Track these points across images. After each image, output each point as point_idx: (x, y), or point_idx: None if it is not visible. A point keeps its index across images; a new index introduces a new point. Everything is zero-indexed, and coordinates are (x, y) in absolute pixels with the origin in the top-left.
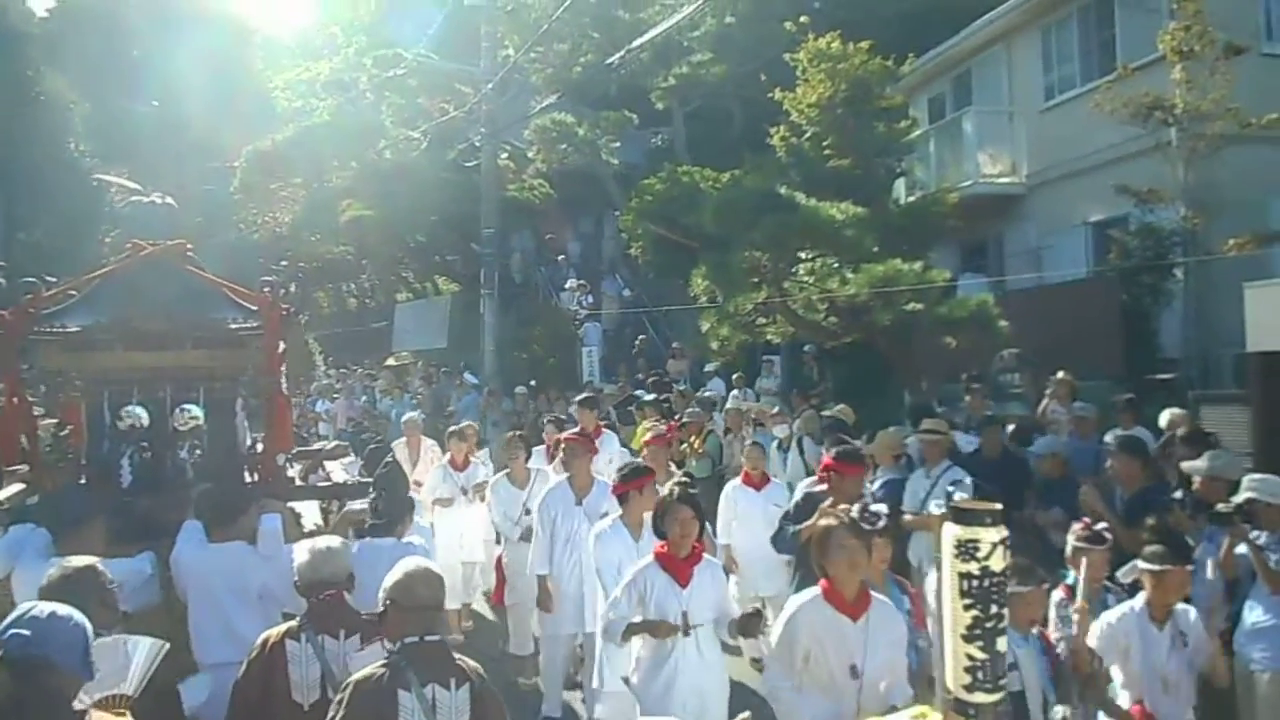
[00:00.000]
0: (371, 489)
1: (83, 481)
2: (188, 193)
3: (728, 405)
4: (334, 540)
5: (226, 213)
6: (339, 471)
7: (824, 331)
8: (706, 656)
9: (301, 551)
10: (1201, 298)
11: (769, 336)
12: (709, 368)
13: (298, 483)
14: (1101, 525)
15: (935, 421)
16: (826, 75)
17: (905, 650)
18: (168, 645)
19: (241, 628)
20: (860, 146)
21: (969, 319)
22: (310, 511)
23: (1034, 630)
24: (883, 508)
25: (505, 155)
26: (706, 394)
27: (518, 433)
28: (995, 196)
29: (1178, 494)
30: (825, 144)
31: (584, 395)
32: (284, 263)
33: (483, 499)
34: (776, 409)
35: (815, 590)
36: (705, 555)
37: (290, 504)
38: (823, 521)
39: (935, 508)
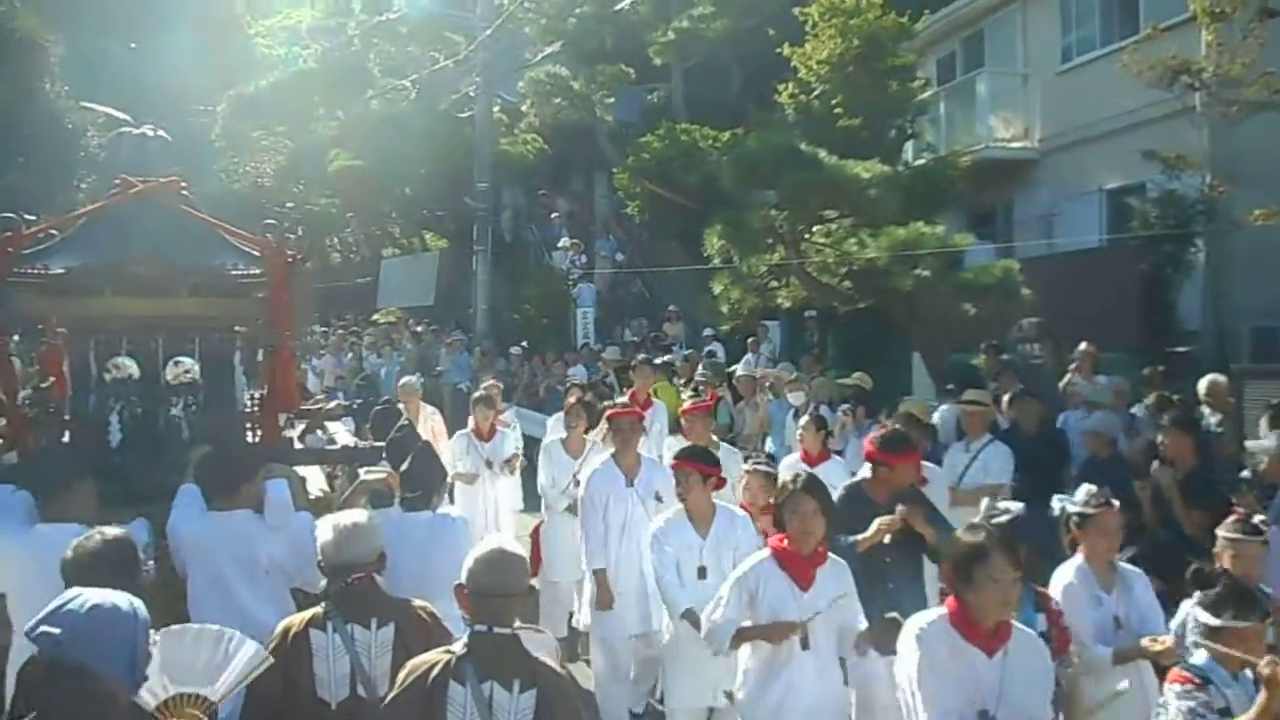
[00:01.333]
0: (386, 454)
1: (67, 439)
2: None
3: (739, 371)
4: (361, 515)
5: (207, 161)
6: (342, 433)
7: (840, 296)
8: (826, 674)
9: (325, 529)
10: (1219, 269)
11: (779, 300)
12: (707, 331)
13: (299, 445)
14: (1259, 517)
15: (978, 392)
16: (838, 31)
17: (1049, 691)
18: (271, 661)
19: (249, 605)
20: (872, 106)
21: (995, 286)
22: (314, 478)
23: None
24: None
25: (497, 108)
26: (715, 359)
27: (582, 398)
28: (1006, 161)
29: (1244, 473)
30: (834, 102)
31: (641, 357)
32: (289, 206)
33: (512, 473)
34: (795, 375)
35: (939, 611)
36: (830, 556)
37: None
38: (968, 539)
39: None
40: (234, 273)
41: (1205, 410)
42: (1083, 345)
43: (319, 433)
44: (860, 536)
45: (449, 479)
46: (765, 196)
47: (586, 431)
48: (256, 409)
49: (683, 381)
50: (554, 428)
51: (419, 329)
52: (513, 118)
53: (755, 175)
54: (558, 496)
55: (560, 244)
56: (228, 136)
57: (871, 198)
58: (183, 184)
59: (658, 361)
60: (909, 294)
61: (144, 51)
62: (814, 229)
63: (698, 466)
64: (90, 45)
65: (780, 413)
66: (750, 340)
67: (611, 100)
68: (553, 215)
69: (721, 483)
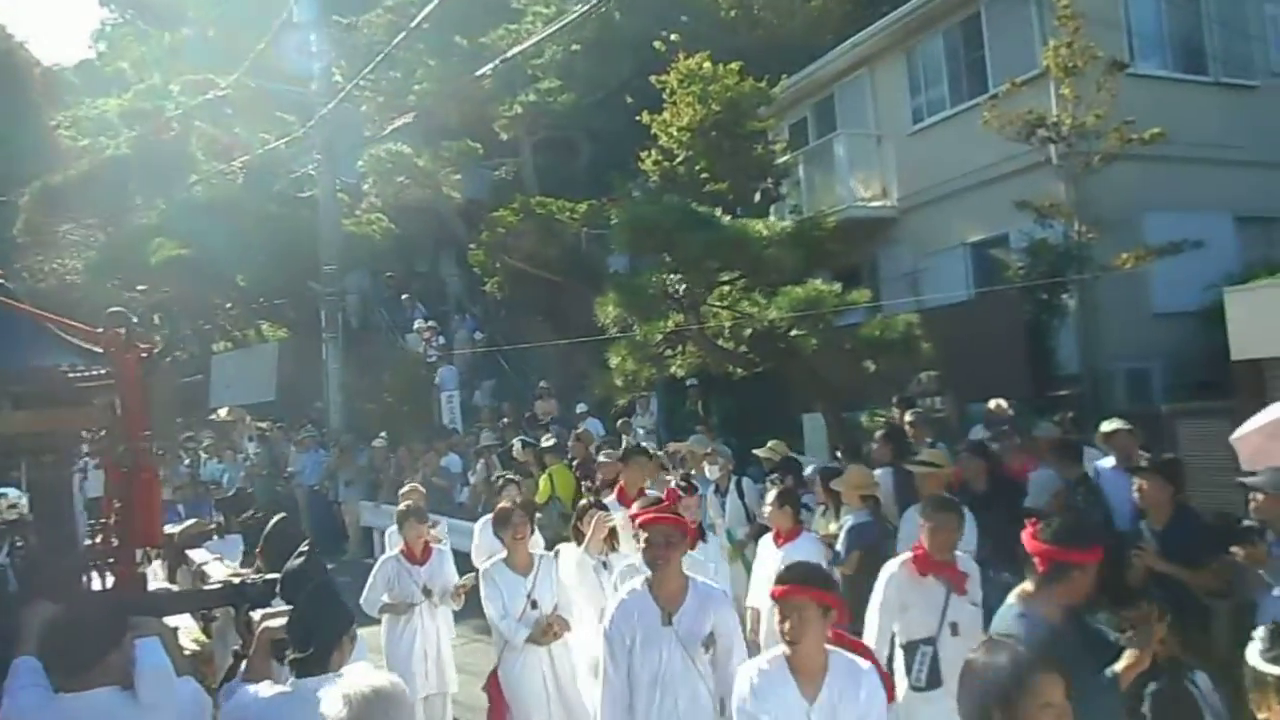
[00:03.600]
0: (281, 590)
1: None
2: None
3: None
4: (380, 678)
5: (7, 260)
6: (213, 564)
7: (738, 360)
8: None
9: (334, 701)
10: (1090, 314)
11: (674, 369)
12: (581, 407)
13: (168, 587)
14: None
15: (933, 452)
16: (696, 98)
17: None
18: None
19: None
20: (735, 170)
21: (898, 341)
22: (185, 625)
23: None
24: None
25: (338, 188)
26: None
27: (514, 502)
28: (868, 220)
29: (1248, 522)
30: (699, 167)
31: (632, 445)
32: (141, 288)
33: (458, 603)
34: (710, 448)
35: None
36: None
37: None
38: (1000, 660)
39: None
40: (70, 376)
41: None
42: (993, 402)
43: (185, 566)
44: (1120, 667)
45: (354, 631)
46: (661, 260)
47: (528, 538)
48: (104, 546)
49: (577, 464)
50: (485, 539)
51: (263, 426)
52: (354, 197)
53: (649, 239)
54: (515, 627)
55: (415, 326)
56: (30, 231)
57: (772, 256)
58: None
59: (546, 444)
60: (809, 354)
61: None
62: (711, 292)
63: (816, 594)
64: None
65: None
66: (621, 422)
67: (458, 177)
68: (403, 296)
69: (842, 617)
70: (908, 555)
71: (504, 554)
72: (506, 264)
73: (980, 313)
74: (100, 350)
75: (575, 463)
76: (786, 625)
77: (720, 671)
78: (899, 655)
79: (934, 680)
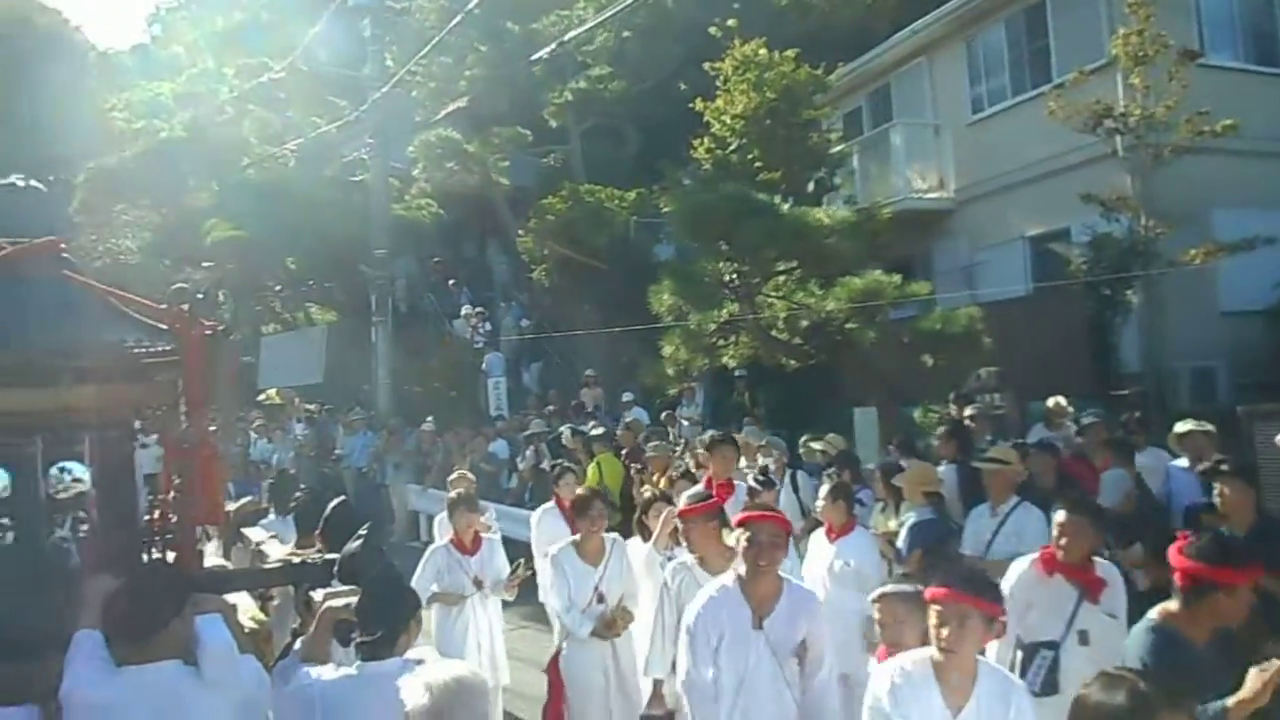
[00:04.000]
0: (339, 571)
1: None
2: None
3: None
4: (462, 669)
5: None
6: (271, 543)
7: (793, 351)
8: None
9: (416, 690)
10: (1156, 311)
11: (725, 359)
12: (627, 396)
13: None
14: None
15: (1004, 450)
16: (751, 85)
17: None
18: None
19: None
20: (789, 159)
21: (959, 335)
22: (243, 604)
23: None
24: None
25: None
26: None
27: (591, 490)
28: (923, 212)
29: None
30: (751, 156)
31: (714, 434)
32: (206, 265)
33: (510, 593)
34: (765, 440)
35: None
36: None
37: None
38: (1114, 699)
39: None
40: (135, 350)
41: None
42: (1052, 400)
43: (240, 545)
44: (1233, 701)
45: (422, 609)
46: (719, 249)
47: (598, 528)
48: (164, 522)
49: (625, 453)
50: (544, 528)
51: (310, 409)
52: (403, 182)
53: (707, 226)
54: (580, 620)
55: (463, 312)
56: (86, 211)
57: (831, 247)
58: (62, 245)
59: (595, 432)
60: (866, 346)
61: None
62: (769, 282)
63: (985, 605)
64: None
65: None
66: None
67: (506, 164)
68: (450, 282)
69: (1003, 631)
70: (1036, 554)
71: (574, 539)
72: (555, 251)
73: (1040, 308)
74: (165, 327)
75: (624, 452)
76: (945, 631)
77: (807, 681)
78: (1017, 656)
79: (1049, 687)
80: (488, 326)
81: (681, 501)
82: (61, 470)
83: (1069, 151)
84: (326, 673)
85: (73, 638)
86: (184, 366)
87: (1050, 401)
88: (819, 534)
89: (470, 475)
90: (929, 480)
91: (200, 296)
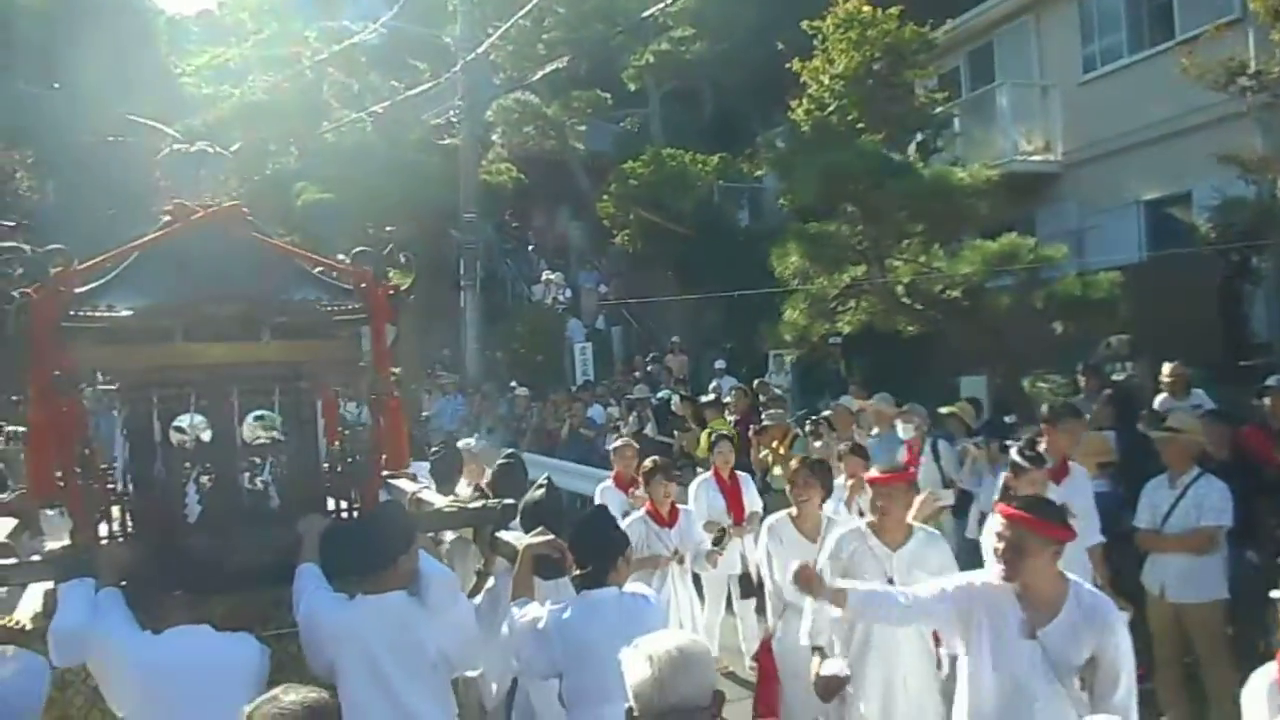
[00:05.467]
0: (521, 518)
1: (128, 518)
2: (100, 181)
3: (837, 403)
4: (684, 638)
5: (143, 204)
6: (427, 492)
7: (919, 316)
8: None
9: (638, 660)
10: None
11: (841, 325)
12: (719, 364)
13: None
14: None
15: (1180, 416)
16: (853, 43)
17: None
18: None
19: (417, 706)
20: (893, 120)
21: (1098, 301)
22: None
23: None
24: None
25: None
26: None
27: (813, 457)
28: (1029, 175)
29: None
30: (851, 117)
31: (1061, 406)
32: (390, 229)
33: (713, 566)
34: (906, 406)
35: None
36: None
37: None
38: None
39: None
40: (326, 309)
41: None
42: (1168, 365)
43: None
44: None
45: (630, 553)
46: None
47: (820, 501)
48: (342, 468)
49: (735, 419)
50: (701, 500)
51: (396, 371)
52: (483, 146)
53: (842, 187)
54: (799, 595)
55: (542, 278)
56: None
57: (972, 207)
58: (245, 209)
59: (706, 399)
60: (1000, 311)
61: (71, 93)
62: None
63: (1043, 526)
64: (14, 88)
65: (884, 450)
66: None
67: (583, 129)
68: (529, 248)
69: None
70: None
71: (790, 511)
72: (638, 216)
73: (1164, 274)
74: (350, 287)
75: (736, 420)
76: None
77: (1101, 703)
78: None
79: None
80: (568, 292)
81: (874, 472)
82: (258, 418)
83: (1191, 112)
84: (550, 606)
85: (294, 571)
86: (371, 323)
87: (1166, 368)
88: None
89: (634, 443)
90: (1104, 450)
91: (385, 255)
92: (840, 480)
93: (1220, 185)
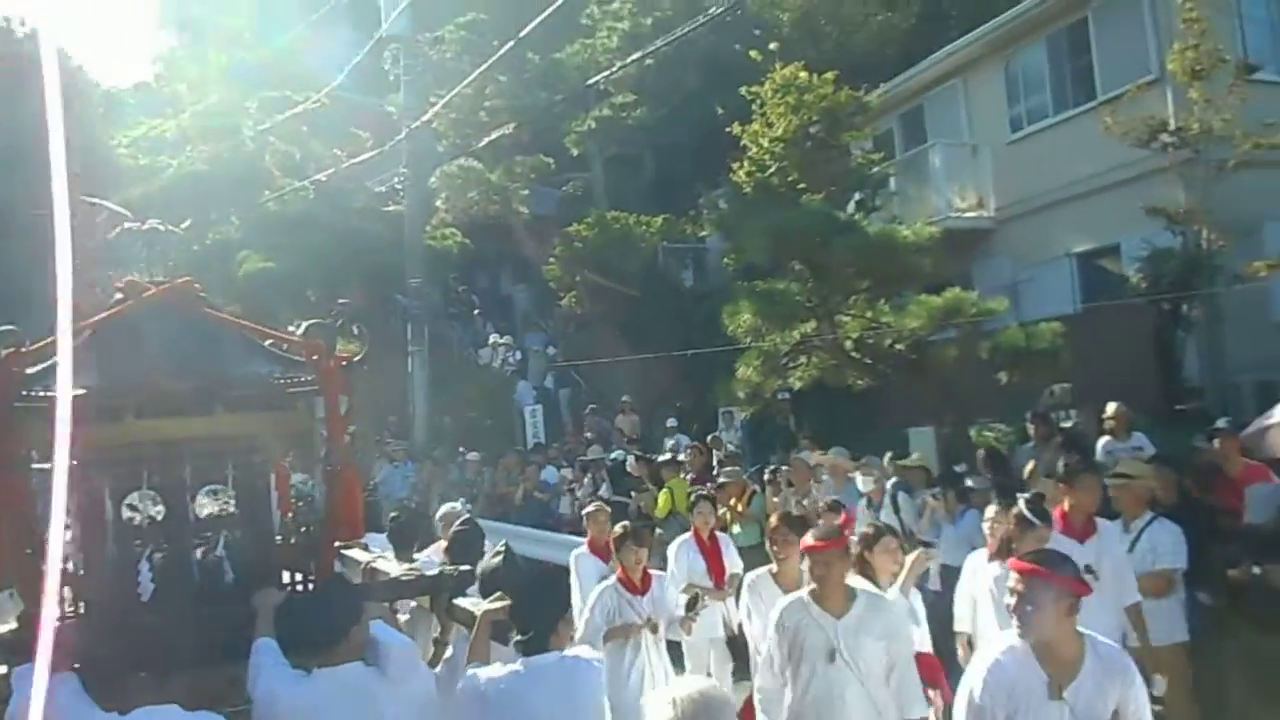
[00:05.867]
0: (480, 584)
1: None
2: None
3: (795, 456)
4: (704, 682)
5: (81, 275)
6: (383, 561)
7: (868, 370)
8: None
9: (660, 707)
10: (1217, 325)
11: (793, 381)
12: (671, 422)
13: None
14: None
15: (1132, 463)
16: (790, 107)
17: None
18: None
19: None
20: (829, 180)
21: (1045, 350)
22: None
23: None
24: None
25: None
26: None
27: (785, 515)
28: (964, 231)
29: None
30: (792, 179)
31: (1078, 464)
32: (343, 301)
33: (687, 633)
34: (864, 459)
35: None
36: None
37: None
38: None
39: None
40: (279, 382)
41: None
42: (1112, 406)
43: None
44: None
45: (571, 616)
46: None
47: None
48: (296, 539)
49: (691, 478)
50: (682, 561)
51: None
52: (427, 212)
53: (790, 246)
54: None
55: (490, 341)
56: (110, 246)
57: (915, 263)
58: (196, 284)
59: (662, 458)
60: (947, 363)
61: (9, 165)
62: (846, 300)
63: (1056, 578)
64: None
65: (845, 503)
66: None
67: (526, 193)
68: (475, 312)
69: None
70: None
71: (770, 568)
72: (585, 278)
73: (1098, 324)
74: (303, 359)
75: (691, 478)
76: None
77: None
78: None
79: None
80: (516, 355)
81: (810, 540)
82: (211, 492)
83: (1116, 168)
84: (493, 671)
85: (250, 646)
86: (324, 394)
87: (1110, 408)
88: (978, 556)
89: (606, 508)
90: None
91: (339, 326)
92: None
93: (1148, 237)
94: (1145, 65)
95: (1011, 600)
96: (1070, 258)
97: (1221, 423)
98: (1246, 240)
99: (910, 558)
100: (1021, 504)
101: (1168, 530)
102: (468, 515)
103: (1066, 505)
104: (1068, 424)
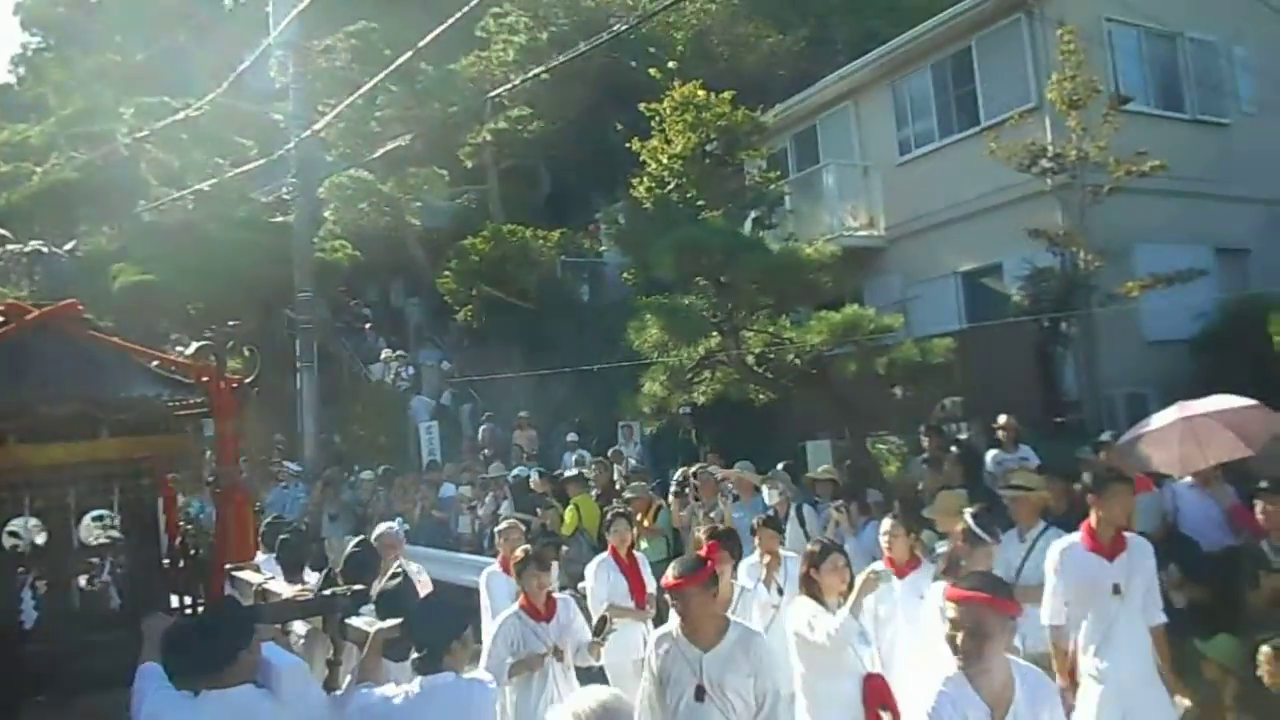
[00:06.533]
0: (377, 605)
1: None
2: None
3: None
4: (604, 693)
5: None
6: (274, 582)
7: (771, 385)
8: None
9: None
10: (1092, 341)
11: (697, 395)
12: (572, 437)
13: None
14: None
15: (1025, 474)
16: (689, 125)
17: None
18: None
19: None
20: (726, 197)
21: (939, 365)
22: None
23: None
24: None
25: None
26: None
27: (715, 532)
28: (856, 249)
29: None
30: (690, 195)
31: (1106, 472)
32: (234, 323)
33: (596, 658)
34: (770, 472)
35: None
36: None
37: None
38: None
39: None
40: (167, 404)
41: None
42: (1003, 417)
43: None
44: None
45: (468, 637)
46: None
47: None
48: (185, 563)
49: (596, 494)
50: (602, 579)
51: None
52: (315, 223)
53: (697, 261)
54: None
55: (382, 356)
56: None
57: (817, 280)
58: (80, 306)
59: (567, 474)
60: (846, 378)
61: None
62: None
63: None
64: None
65: (748, 517)
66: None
67: (418, 204)
68: (366, 326)
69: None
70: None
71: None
72: (481, 292)
73: (983, 340)
74: (192, 381)
75: (597, 493)
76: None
77: None
78: None
79: None
80: (410, 370)
81: (670, 576)
82: (96, 519)
83: (999, 190)
84: (386, 690)
85: (135, 671)
86: (215, 417)
87: (1001, 419)
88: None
89: (521, 525)
90: (962, 508)
91: (229, 348)
92: (755, 556)
93: (1029, 257)
94: (1026, 94)
95: (955, 633)
96: (956, 276)
97: (1106, 435)
98: (1119, 261)
99: (861, 577)
100: (969, 518)
101: (1058, 539)
102: (362, 537)
103: (1094, 519)
104: (961, 436)
